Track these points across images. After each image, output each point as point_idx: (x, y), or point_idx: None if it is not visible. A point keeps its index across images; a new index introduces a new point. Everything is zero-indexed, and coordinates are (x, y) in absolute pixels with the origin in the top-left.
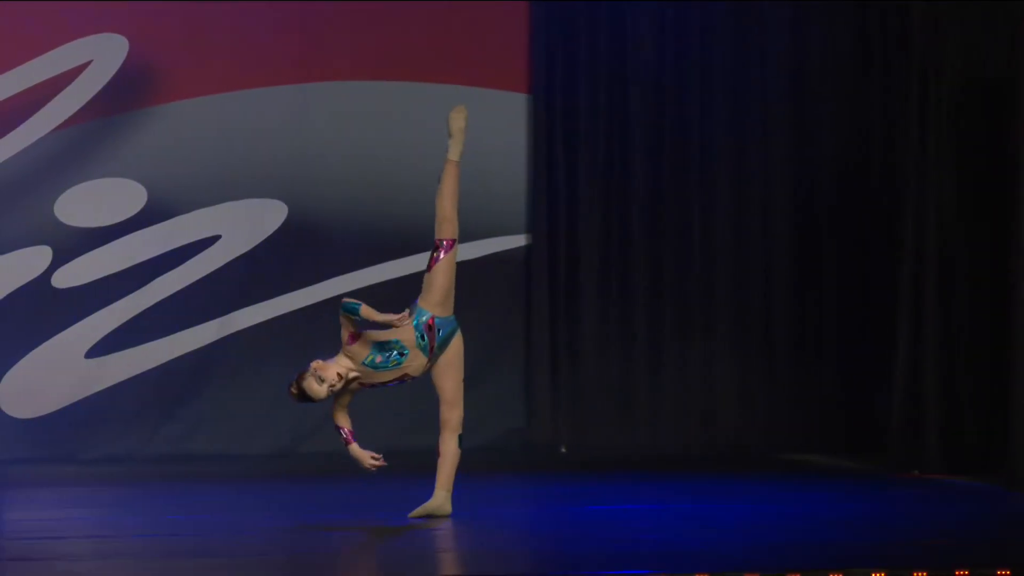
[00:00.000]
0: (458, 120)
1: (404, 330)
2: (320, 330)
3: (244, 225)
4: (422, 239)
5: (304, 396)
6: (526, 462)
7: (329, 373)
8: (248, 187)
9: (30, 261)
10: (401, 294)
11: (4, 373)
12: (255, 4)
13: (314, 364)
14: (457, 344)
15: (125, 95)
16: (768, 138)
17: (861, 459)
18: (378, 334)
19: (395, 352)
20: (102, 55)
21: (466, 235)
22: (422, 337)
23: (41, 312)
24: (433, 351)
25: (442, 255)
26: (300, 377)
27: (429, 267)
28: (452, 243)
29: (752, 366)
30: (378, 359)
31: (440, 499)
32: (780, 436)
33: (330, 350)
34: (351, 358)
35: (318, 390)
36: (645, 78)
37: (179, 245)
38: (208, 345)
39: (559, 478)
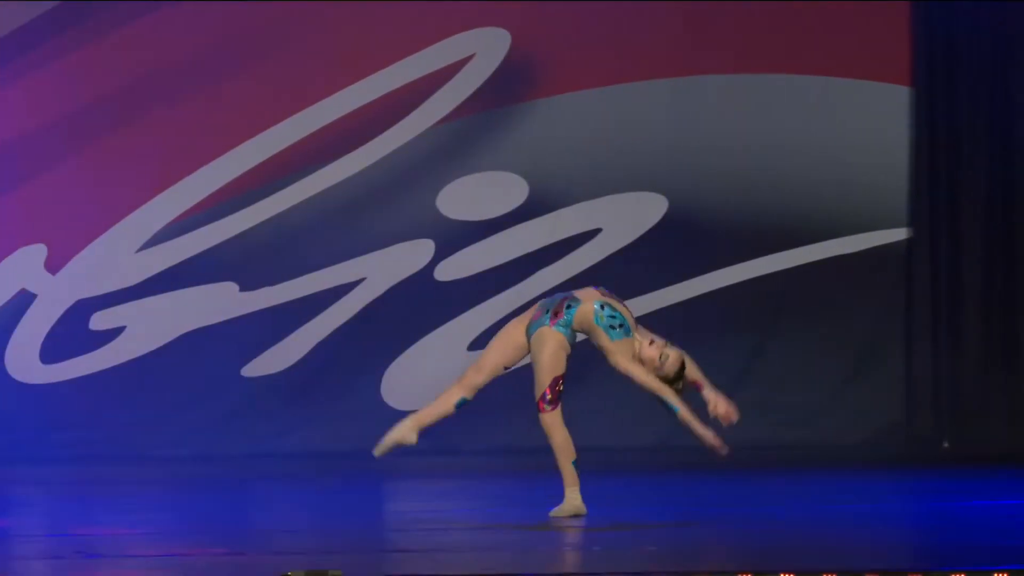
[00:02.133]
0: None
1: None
2: (697, 323)
3: (625, 218)
4: (800, 233)
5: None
6: (907, 456)
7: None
8: (628, 180)
9: (413, 254)
10: (779, 289)
11: (387, 365)
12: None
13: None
14: None
15: (507, 89)
16: None
17: None
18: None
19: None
20: (485, 49)
21: (845, 228)
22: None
23: (424, 304)
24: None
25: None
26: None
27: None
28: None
29: None
30: None
31: None
32: None
33: (710, 343)
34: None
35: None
36: None
37: (560, 238)
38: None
39: (941, 473)
